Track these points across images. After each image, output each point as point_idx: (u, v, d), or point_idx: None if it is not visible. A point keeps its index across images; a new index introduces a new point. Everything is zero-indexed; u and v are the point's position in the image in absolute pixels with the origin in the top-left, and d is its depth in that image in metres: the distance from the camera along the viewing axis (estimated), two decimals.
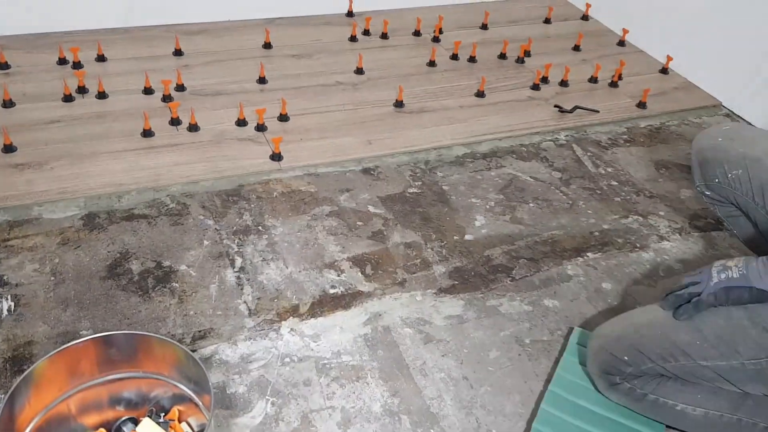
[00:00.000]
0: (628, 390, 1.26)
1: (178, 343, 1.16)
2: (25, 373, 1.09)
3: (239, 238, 1.68)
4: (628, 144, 2.19)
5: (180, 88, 2.20)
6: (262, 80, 2.29)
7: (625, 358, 1.22)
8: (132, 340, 1.18)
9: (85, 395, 1.19)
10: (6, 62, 2.22)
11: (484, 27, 2.80)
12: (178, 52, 2.39)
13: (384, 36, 2.65)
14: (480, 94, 2.33)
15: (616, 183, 2.00)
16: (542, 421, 1.29)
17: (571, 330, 1.51)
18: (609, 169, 2.06)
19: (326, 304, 1.53)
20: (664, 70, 2.59)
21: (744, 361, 1.12)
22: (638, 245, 1.78)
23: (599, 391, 1.33)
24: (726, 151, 1.29)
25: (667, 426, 1.28)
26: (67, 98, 2.10)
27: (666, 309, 1.21)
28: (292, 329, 1.46)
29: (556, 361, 1.44)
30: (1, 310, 1.43)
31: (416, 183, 1.92)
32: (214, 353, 1.40)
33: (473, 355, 1.45)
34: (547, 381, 1.40)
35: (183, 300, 1.50)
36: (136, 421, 1.21)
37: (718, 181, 1.28)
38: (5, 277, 1.50)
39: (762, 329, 1.09)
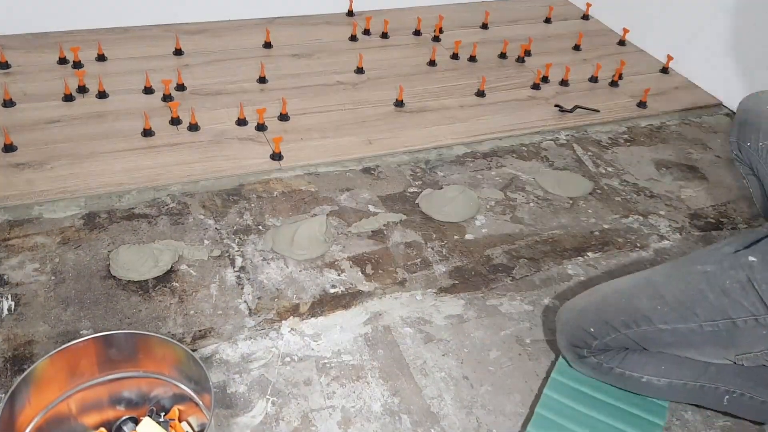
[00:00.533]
0: (596, 364, 1.31)
1: (178, 343, 1.16)
2: (26, 372, 1.09)
3: (239, 238, 1.68)
4: (628, 143, 2.19)
5: (180, 87, 2.20)
6: (262, 80, 2.29)
7: (591, 329, 1.27)
8: (132, 339, 1.18)
9: (86, 395, 1.18)
10: (6, 62, 2.22)
11: (485, 26, 2.80)
12: (178, 52, 2.40)
13: (384, 35, 2.65)
14: (480, 94, 2.33)
15: (616, 182, 2.00)
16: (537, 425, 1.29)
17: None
18: (609, 169, 2.06)
19: (326, 303, 1.53)
20: (665, 70, 2.59)
21: (702, 323, 1.17)
22: (638, 245, 1.78)
23: (569, 365, 1.38)
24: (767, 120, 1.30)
25: (634, 394, 1.33)
26: (68, 98, 2.10)
27: None
28: (292, 329, 1.46)
29: (553, 363, 1.44)
30: (2, 309, 1.43)
31: (416, 182, 1.92)
32: (214, 353, 1.40)
33: (473, 355, 1.45)
34: (542, 384, 1.40)
35: (183, 299, 1.50)
36: (136, 421, 1.21)
37: (749, 145, 1.29)
38: (6, 277, 1.50)
39: (719, 292, 1.15)
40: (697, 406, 1.34)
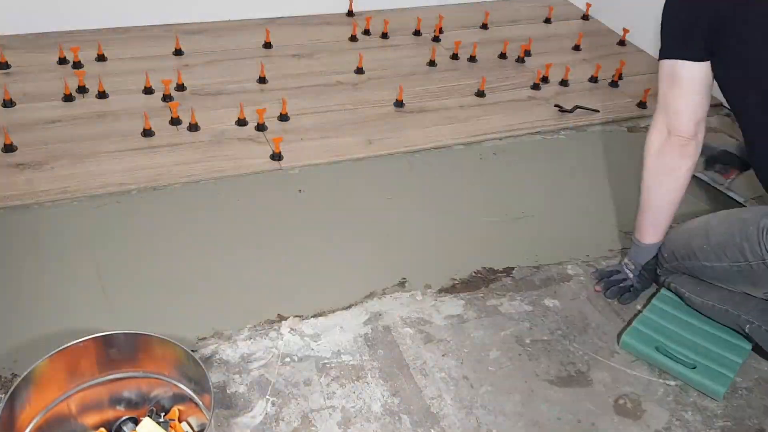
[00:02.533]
0: (662, 281, 1.59)
1: (178, 343, 1.16)
2: (26, 372, 1.09)
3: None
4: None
5: (180, 87, 2.21)
6: (262, 80, 2.29)
7: (665, 255, 1.54)
8: (132, 339, 1.18)
9: (86, 395, 1.18)
10: (6, 62, 2.22)
11: (485, 27, 2.80)
12: (178, 52, 2.40)
13: (384, 36, 2.65)
14: (480, 94, 2.33)
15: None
16: (641, 322, 1.50)
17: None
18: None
19: (327, 303, 1.53)
20: None
21: (730, 264, 1.38)
22: None
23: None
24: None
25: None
26: (67, 98, 2.10)
27: (610, 297, 1.60)
28: (292, 329, 1.46)
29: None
30: None
31: None
32: (214, 353, 1.40)
33: (473, 355, 1.45)
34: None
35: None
36: (136, 421, 1.21)
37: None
38: None
39: (744, 237, 1.35)
40: (729, 327, 1.50)
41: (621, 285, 1.59)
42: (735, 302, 1.45)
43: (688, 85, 1.40)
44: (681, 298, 1.55)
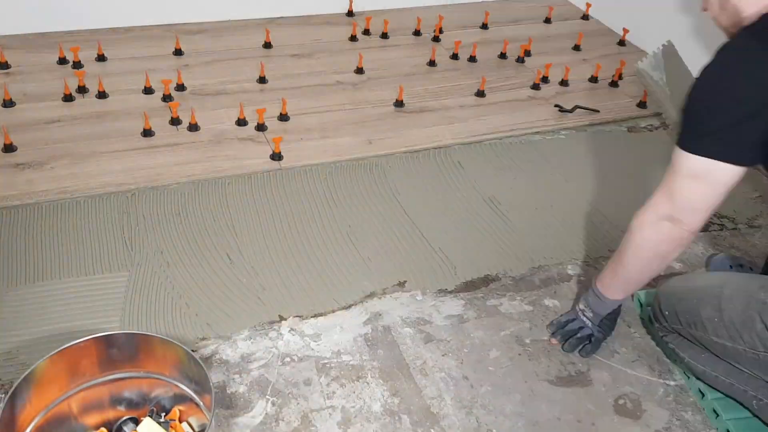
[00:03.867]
0: (660, 337, 1.45)
1: (179, 343, 1.16)
2: (26, 372, 1.09)
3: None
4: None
5: (180, 87, 2.21)
6: (262, 80, 2.29)
7: (666, 313, 1.38)
8: (133, 339, 1.18)
9: (86, 395, 1.19)
10: (6, 62, 2.22)
11: (485, 27, 2.80)
12: (178, 52, 2.40)
13: (384, 36, 2.65)
14: (480, 94, 2.34)
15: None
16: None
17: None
18: None
19: (327, 303, 1.53)
20: None
21: (746, 348, 1.23)
22: None
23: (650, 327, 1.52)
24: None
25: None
26: (67, 98, 2.10)
27: (568, 351, 1.46)
28: (292, 329, 1.47)
29: None
30: None
31: None
32: (214, 353, 1.40)
33: (473, 355, 1.45)
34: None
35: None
36: (137, 421, 1.21)
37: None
38: None
39: (764, 327, 1.19)
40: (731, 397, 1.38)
41: (578, 336, 1.46)
42: (743, 378, 1.31)
43: (722, 187, 1.19)
44: (679, 361, 1.42)
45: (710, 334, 1.28)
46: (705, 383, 1.38)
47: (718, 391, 1.36)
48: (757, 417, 1.32)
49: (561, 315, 1.53)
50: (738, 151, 1.16)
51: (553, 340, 1.49)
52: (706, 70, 1.20)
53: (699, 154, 1.17)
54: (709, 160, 1.16)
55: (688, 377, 1.42)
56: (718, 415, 1.34)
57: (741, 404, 1.34)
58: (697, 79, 1.21)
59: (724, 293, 1.27)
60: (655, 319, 1.42)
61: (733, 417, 1.33)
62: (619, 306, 1.47)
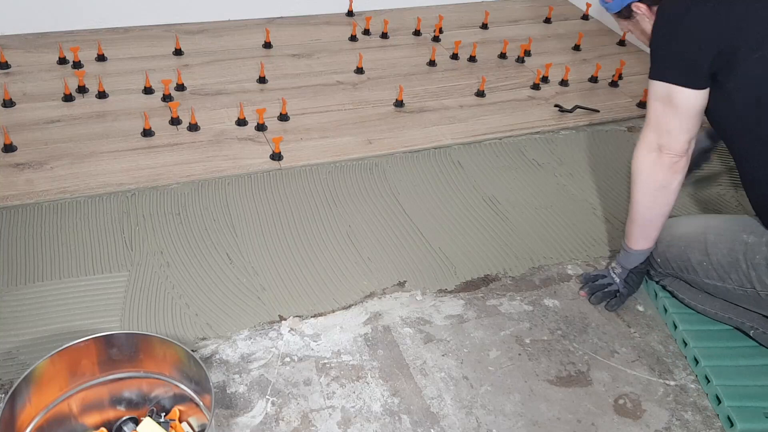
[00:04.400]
0: (656, 282, 1.60)
1: (179, 343, 1.16)
2: (26, 372, 1.09)
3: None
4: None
5: (180, 87, 2.21)
6: (262, 80, 2.29)
7: (658, 260, 1.54)
8: (133, 339, 1.18)
9: (86, 395, 1.19)
10: (6, 62, 2.22)
11: (485, 26, 2.80)
12: (178, 52, 2.40)
13: (384, 35, 2.65)
14: (480, 94, 2.34)
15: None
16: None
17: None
18: None
19: (326, 303, 1.54)
20: None
21: (735, 287, 1.40)
22: None
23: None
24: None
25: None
26: (67, 98, 2.10)
27: (595, 303, 1.59)
28: (292, 329, 1.47)
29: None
30: None
31: None
32: (214, 353, 1.40)
33: (473, 355, 1.45)
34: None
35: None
36: (137, 421, 1.21)
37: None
38: None
39: (750, 265, 1.36)
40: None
41: (606, 290, 1.58)
42: (738, 312, 1.47)
43: (686, 109, 1.34)
44: (676, 298, 1.56)
45: (702, 276, 1.45)
46: (703, 316, 1.53)
47: (721, 322, 1.51)
48: (757, 342, 1.47)
49: (593, 271, 1.66)
50: (690, 77, 1.31)
51: (582, 293, 1.61)
52: (663, 10, 1.35)
53: (660, 80, 1.34)
54: (669, 84, 1.33)
55: (686, 344, 1.50)
56: (720, 402, 1.37)
57: (742, 332, 1.49)
58: (655, 19, 1.37)
59: (708, 239, 1.44)
60: (652, 268, 1.57)
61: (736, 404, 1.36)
62: (645, 261, 1.55)
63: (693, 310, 1.53)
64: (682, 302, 1.54)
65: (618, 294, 1.57)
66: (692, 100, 1.32)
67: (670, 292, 1.56)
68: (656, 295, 1.60)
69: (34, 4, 2.37)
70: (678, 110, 1.34)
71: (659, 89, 1.35)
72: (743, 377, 1.41)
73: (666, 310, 1.56)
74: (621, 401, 1.39)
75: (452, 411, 1.33)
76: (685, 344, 1.49)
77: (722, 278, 1.41)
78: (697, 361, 1.44)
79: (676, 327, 1.52)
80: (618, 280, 1.57)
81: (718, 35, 1.27)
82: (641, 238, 1.51)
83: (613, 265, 1.60)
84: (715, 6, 1.27)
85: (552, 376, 1.42)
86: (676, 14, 1.31)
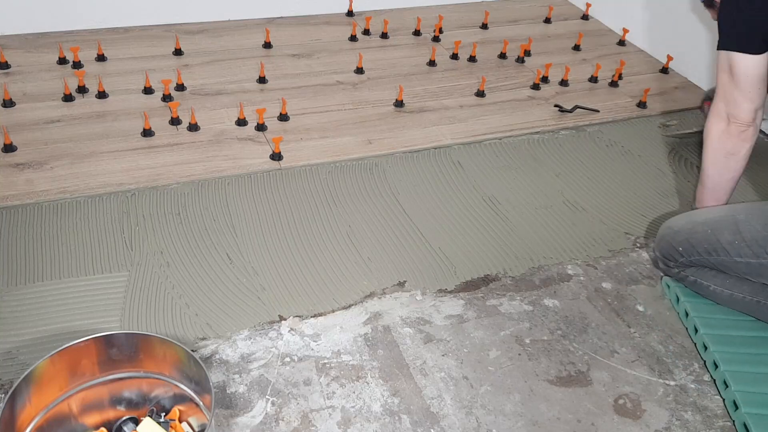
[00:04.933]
0: (676, 273, 1.58)
1: (178, 343, 1.16)
2: (26, 372, 1.09)
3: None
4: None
5: (180, 87, 2.21)
6: (262, 80, 2.29)
7: (680, 249, 1.53)
8: (133, 339, 1.18)
9: (86, 395, 1.19)
10: (6, 62, 2.22)
11: (485, 27, 2.80)
12: (178, 52, 2.40)
13: (384, 35, 2.65)
14: (480, 94, 2.34)
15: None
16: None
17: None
18: None
19: (326, 303, 1.54)
20: (664, 70, 2.59)
21: None
22: (638, 244, 1.79)
23: (659, 269, 1.66)
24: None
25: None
26: (67, 98, 2.10)
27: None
28: (292, 329, 1.47)
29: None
30: None
31: None
32: (214, 353, 1.40)
33: (473, 355, 1.45)
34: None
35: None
36: (137, 421, 1.21)
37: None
38: None
39: None
40: (754, 318, 1.53)
41: None
42: (766, 294, 1.48)
43: (745, 76, 1.45)
44: (700, 292, 1.55)
45: (733, 256, 1.44)
46: (731, 308, 1.52)
47: (745, 313, 1.51)
48: None
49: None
50: (745, 43, 1.43)
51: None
52: None
53: (723, 49, 1.47)
54: (730, 52, 1.45)
55: (716, 366, 1.44)
56: (737, 408, 1.35)
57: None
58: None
59: (738, 218, 1.45)
60: (669, 259, 1.57)
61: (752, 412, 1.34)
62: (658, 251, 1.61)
63: (715, 301, 1.54)
64: (706, 292, 1.54)
65: None
66: (750, 66, 1.44)
67: (693, 282, 1.55)
68: (678, 299, 1.57)
69: (34, 4, 2.37)
70: (739, 78, 1.45)
71: (722, 59, 1.48)
72: (764, 385, 1.38)
73: (687, 314, 1.54)
74: (621, 401, 1.39)
75: (452, 411, 1.33)
76: (705, 348, 1.46)
77: (756, 253, 1.41)
78: (716, 365, 1.42)
79: (696, 330, 1.50)
80: None
81: None
82: (712, 200, 1.61)
83: None
84: None
85: (552, 376, 1.42)
86: None
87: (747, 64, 1.44)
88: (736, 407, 1.35)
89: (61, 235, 1.64)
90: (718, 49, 1.49)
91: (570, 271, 1.69)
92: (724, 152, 1.53)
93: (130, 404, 1.23)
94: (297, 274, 1.60)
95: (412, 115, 2.21)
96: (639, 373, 1.45)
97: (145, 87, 2.18)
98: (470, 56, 2.54)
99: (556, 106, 2.31)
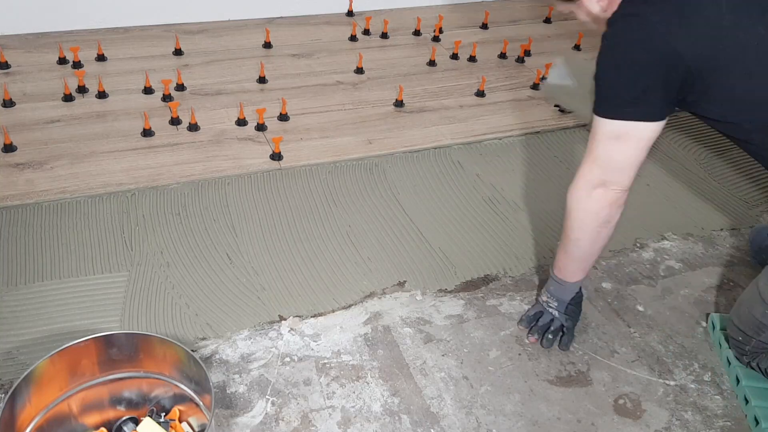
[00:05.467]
0: (746, 361, 1.42)
1: (178, 343, 1.16)
2: (26, 372, 1.09)
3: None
4: None
5: (180, 87, 2.21)
6: (262, 80, 2.29)
7: (739, 338, 1.40)
8: (133, 339, 1.18)
9: (86, 395, 1.19)
10: (6, 62, 2.22)
11: (485, 26, 2.80)
12: (178, 52, 2.40)
13: (384, 35, 2.65)
14: (480, 94, 2.34)
15: None
16: None
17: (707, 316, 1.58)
18: None
19: (326, 303, 1.54)
20: None
21: None
22: (638, 244, 1.79)
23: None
24: None
25: None
26: (67, 98, 2.10)
27: (547, 346, 1.47)
28: (292, 329, 1.47)
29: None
30: None
31: None
32: (214, 353, 1.40)
33: (473, 355, 1.45)
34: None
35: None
36: (137, 421, 1.21)
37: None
38: None
39: None
40: None
41: (552, 329, 1.47)
42: None
43: (642, 144, 1.24)
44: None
45: None
46: None
47: None
48: None
49: (527, 309, 1.53)
50: (650, 110, 1.22)
51: (531, 338, 1.48)
52: (607, 39, 1.27)
53: (617, 119, 1.23)
54: (628, 122, 1.22)
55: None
56: (758, 423, 1.33)
57: None
58: (601, 48, 1.28)
59: (760, 288, 1.33)
60: (740, 352, 1.42)
61: None
62: (581, 290, 1.48)
63: None
64: None
65: (564, 328, 1.47)
66: (652, 131, 1.23)
67: (765, 370, 1.39)
68: (729, 363, 1.46)
69: (34, 4, 2.37)
70: (632, 145, 1.24)
71: (609, 127, 1.24)
72: None
73: (747, 401, 1.39)
74: (621, 401, 1.39)
75: (452, 411, 1.33)
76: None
77: None
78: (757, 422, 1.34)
79: (758, 423, 1.36)
80: (557, 314, 1.47)
81: (677, 56, 1.17)
82: (579, 271, 1.43)
83: (545, 299, 1.49)
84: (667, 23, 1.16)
85: (552, 376, 1.42)
86: (625, 39, 1.22)
87: (647, 130, 1.22)
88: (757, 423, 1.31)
89: (61, 235, 1.64)
90: (601, 114, 1.23)
91: None
92: (599, 222, 1.32)
93: (130, 404, 1.23)
94: (297, 274, 1.60)
95: (412, 115, 2.21)
96: (639, 373, 1.45)
97: (145, 87, 2.18)
98: (470, 56, 2.54)
99: (556, 106, 2.31)
